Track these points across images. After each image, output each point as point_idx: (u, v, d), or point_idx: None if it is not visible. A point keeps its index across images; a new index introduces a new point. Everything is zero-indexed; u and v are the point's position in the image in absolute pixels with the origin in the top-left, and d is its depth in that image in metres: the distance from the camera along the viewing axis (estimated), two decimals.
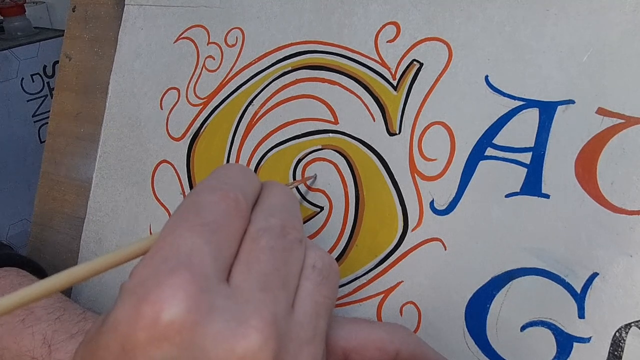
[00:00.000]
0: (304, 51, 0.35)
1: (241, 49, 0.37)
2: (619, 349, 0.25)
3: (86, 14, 0.46)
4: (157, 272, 0.16)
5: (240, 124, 0.37)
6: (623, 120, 0.25)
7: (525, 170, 0.27)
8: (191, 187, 0.38)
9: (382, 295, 0.31)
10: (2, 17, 0.99)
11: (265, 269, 0.18)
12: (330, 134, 0.33)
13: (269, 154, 0.35)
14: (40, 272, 0.39)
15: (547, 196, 0.27)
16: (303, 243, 0.20)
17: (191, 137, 0.39)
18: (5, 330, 0.32)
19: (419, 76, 0.31)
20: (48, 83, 0.98)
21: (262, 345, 0.16)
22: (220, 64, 0.38)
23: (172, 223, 0.18)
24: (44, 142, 0.48)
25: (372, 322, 0.23)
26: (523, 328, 0.27)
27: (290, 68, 0.35)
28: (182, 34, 0.40)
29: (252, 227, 0.19)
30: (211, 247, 0.17)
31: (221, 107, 0.38)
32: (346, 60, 0.33)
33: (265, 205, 0.20)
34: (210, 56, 0.39)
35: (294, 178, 0.34)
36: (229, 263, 0.18)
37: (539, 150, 0.27)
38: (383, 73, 0.32)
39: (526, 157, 0.27)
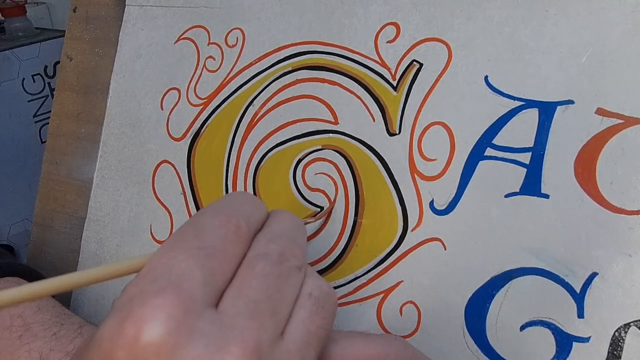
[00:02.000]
0: (304, 51, 0.35)
1: (241, 49, 0.37)
2: (618, 349, 0.25)
3: (87, 14, 0.46)
4: (144, 292, 0.17)
5: (241, 124, 0.37)
6: (622, 121, 0.25)
7: (525, 170, 0.27)
8: (192, 187, 0.38)
9: (382, 295, 0.31)
10: (3, 18, 0.99)
11: (256, 295, 0.18)
12: (331, 134, 0.33)
13: (269, 154, 0.35)
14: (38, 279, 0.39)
15: (546, 196, 0.27)
16: (302, 270, 0.20)
17: (192, 137, 0.39)
18: (3, 346, 0.31)
19: (418, 76, 0.31)
20: (49, 83, 0.98)
21: None
22: (220, 64, 0.38)
23: (170, 243, 0.18)
24: (45, 142, 0.48)
25: (366, 335, 0.22)
26: (522, 328, 0.27)
27: (290, 68, 0.35)
28: (182, 34, 0.40)
29: (250, 253, 0.19)
30: (204, 271, 0.17)
31: (222, 107, 0.38)
32: (346, 60, 0.33)
33: (268, 231, 0.20)
34: (210, 56, 0.39)
35: (294, 178, 0.34)
36: (222, 288, 0.18)
37: (538, 150, 0.27)
38: (383, 73, 0.32)
39: (526, 157, 0.27)
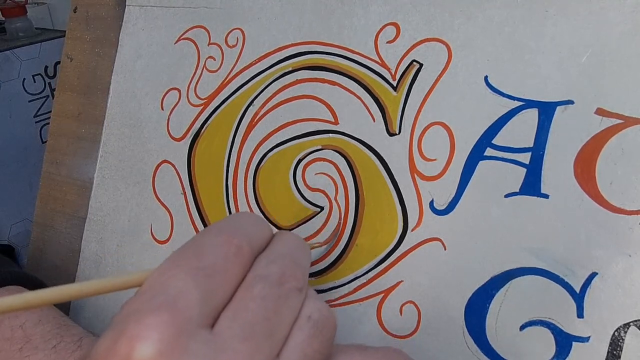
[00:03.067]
0: (304, 52, 0.35)
1: (242, 49, 0.37)
2: (618, 349, 0.25)
3: (87, 14, 0.46)
4: (140, 310, 0.17)
5: (241, 124, 0.37)
6: (622, 121, 0.25)
7: (525, 170, 0.27)
8: (192, 187, 0.38)
9: (382, 295, 0.31)
10: (3, 18, 1.00)
11: (252, 318, 0.18)
12: (331, 134, 0.33)
13: (270, 154, 0.35)
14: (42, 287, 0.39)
15: (546, 196, 0.27)
16: (303, 292, 0.19)
17: (192, 137, 0.39)
18: (3, 358, 0.31)
19: (418, 76, 0.31)
20: (49, 83, 0.98)
21: None
22: (220, 64, 0.38)
23: (171, 261, 0.18)
24: (46, 142, 0.48)
25: (364, 348, 0.22)
26: (522, 327, 0.27)
27: (290, 68, 0.35)
28: (182, 34, 0.40)
29: (250, 274, 0.19)
30: (201, 291, 0.17)
31: (222, 107, 0.38)
32: (346, 60, 0.33)
33: (270, 252, 0.20)
34: (210, 57, 0.39)
35: (295, 178, 0.34)
36: (219, 309, 0.18)
37: (538, 150, 0.27)
38: (383, 73, 0.32)
39: (525, 157, 0.27)
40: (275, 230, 0.21)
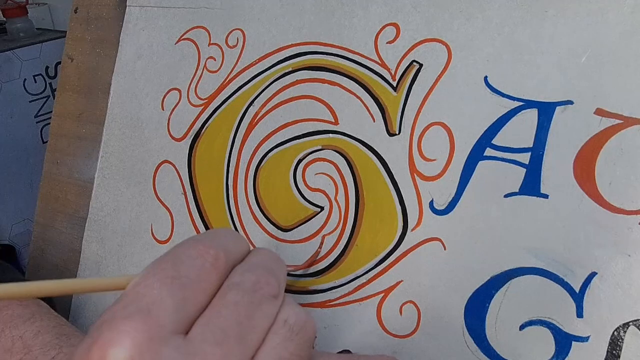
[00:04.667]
0: (305, 52, 0.35)
1: (242, 50, 0.37)
2: (617, 348, 0.25)
3: (88, 15, 0.46)
4: (114, 317, 0.17)
5: (241, 124, 0.37)
6: (621, 121, 0.26)
7: (524, 170, 0.27)
8: (192, 187, 0.38)
9: (382, 295, 0.31)
10: (4, 18, 1.00)
11: (224, 323, 0.18)
12: (331, 135, 0.33)
13: (270, 154, 0.35)
14: None
15: (545, 196, 0.27)
16: (279, 299, 0.20)
17: (192, 137, 0.39)
18: None
19: (418, 77, 0.31)
20: (50, 84, 0.98)
21: None
22: (221, 64, 0.38)
23: (148, 271, 0.19)
24: (46, 142, 0.48)
25: (357, 358, 0.22)
26: (522, 327, 0.27)
27: (290, 69, 0.35)
28: (183, 35, 0.40)
29: (225, 283, 0.19)
30: (175, 300, 0.18)
31: (222, 107, 0.38)
32: (346, 61, 0.33)
33: (246, 262, 0.21)
34: (211, 57, 0.39)
35: (295, 178, 0.34)
36: (194, 317, 0.18)
37: (537, 150, 0.27)
38: (383, 74, 0.32)
39: (525, 158, 0.27)
40: (252, 248, 0.22)
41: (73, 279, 0.19)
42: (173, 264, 0.19)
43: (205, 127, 0.38)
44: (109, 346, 0.16)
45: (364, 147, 0.32)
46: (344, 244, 0.32)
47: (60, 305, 0.40)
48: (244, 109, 0.37)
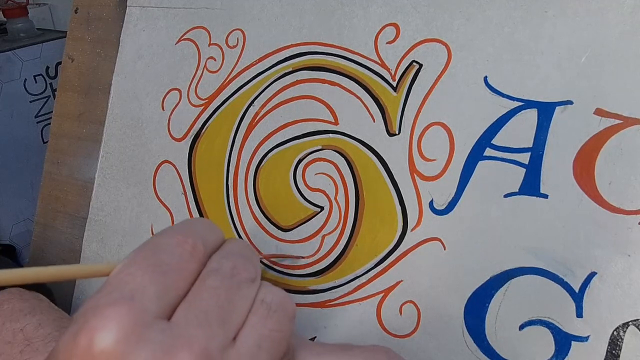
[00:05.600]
0: (305, 52, 0.35)
1: (242, 50, 0.38)
2: (617, 348, 0.25)
3: (88, 15, 0.46)
4: (98, 304, 0.18)
5: (241, 124, 0.37)
6: (621, 121, 0.26)
7: (524, 170, 0.27)
8: (192, 187, 0.38)
9: (382, 295, 0.31)
10: (5, 19, 1.00)
11: (206, 306, 0.19)
12: (331, 135, 0.33)
13: (270, 154, 0.35)
14: (42, 287, 0.39)
15: (545, 196, 0.27)
16: (256, 283, 0.21)
17: (192, 137, 0.39)
18: None
19: (418, 77, 0.31)
20: (51, 84, 0.98)
21: None
22: (221, 65, 0.38)
23: (131, 259, 0.19)
24: (47, 142, 0.48)
25: (349, 348, 0.23)
26: (522, 327, 0.27)
27: (291, 69, 0.35)
28: (183, 35, 0.40)
29: (204, 270, 0.20)
30: (157, 286, 0.18)
31: (222, 107, 0.38)
32: (346, 61, 0.33)
33: (222, 250, 0.22)
34: (211, 57, 0.39)
35: (295, 178, 0.34)
36: (175, 303, 0.19)
37: (537, 150, 0.27)
38: (383, 74, 0.32)
39: (525, 158, 0.27)
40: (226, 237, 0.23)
41: (56, 266, 0.20)
42: (154, 252, 0.19)
43: (205, 127, 0.38)
44: (95, 332, 0.17)
45: (364, 147, 0.32)
46: (344, 243, 0.32)
47: (60, 299, 0.40)
48: (244, 109, 0.37)
